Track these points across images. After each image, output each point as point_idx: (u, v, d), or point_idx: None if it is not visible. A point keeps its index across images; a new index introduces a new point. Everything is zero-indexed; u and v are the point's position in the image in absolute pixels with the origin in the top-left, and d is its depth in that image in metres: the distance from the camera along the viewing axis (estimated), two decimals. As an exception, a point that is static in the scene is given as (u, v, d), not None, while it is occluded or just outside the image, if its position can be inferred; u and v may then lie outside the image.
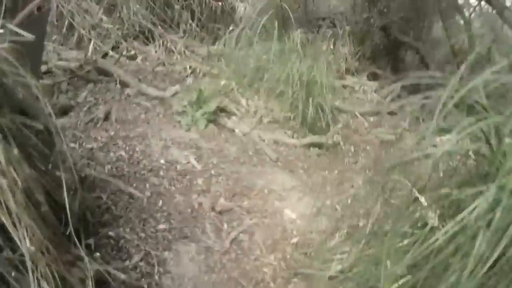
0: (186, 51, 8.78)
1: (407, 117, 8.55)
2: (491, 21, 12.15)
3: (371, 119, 8.70)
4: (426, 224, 3.40)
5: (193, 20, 9.36)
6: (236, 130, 6.87)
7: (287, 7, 8.83)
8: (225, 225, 5.13)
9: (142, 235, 4.63)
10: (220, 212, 5.26)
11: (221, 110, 7.06)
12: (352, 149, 7.40)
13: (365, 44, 11.13)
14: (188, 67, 8.26)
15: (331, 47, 10.33)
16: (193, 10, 9.37)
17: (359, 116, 8.52)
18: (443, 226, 3.16)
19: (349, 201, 5.90)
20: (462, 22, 11.30)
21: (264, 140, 6.82)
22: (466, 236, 2.88)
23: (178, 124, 6.62)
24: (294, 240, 5.15)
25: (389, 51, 11.69)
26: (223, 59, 8.56)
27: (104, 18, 8.43)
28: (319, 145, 6.98)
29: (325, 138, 6.91)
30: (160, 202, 5.08)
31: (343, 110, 8.46)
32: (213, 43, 9.21)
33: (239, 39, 8.10)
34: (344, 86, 9.70)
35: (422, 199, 3.43)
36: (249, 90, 7.47)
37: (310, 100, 7.00)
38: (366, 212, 5.39)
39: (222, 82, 7.43)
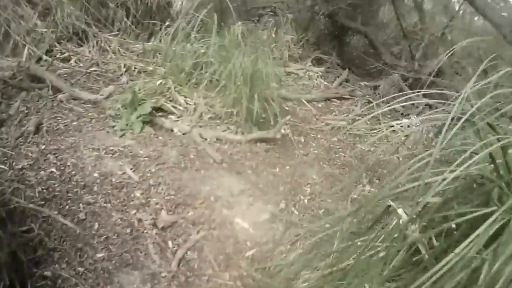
0: (120, 49, 8.06)
1: (359, 102, 7.90)
2: (444, 1, 11.62)
3: (319, 105, 8.00)
4: (405, 237, 2.76)
5: (128, 18, 8.61)
6: (175, 130, 6.09)
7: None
8: (170, 243, 4.43)
9: (80, 269, 3.96)
10: (163, 228, 4.55)
11: (158, 109, 6.30)
12: (302, 140, 6.67)
13: (309, 31, 10.42)
14: (122, 65, 7.54)
15: (273, 35, 9.66)
16: (128, 7, 8.62)
17: (306, 103, 7.81)
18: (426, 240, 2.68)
19: (306, 201, 5.24)
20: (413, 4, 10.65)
21: (206, 139, 6.03)
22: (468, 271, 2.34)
23: (112, 129, 5.85)
24: (249, 253, 4.47)
25: (335, 36, 10.91)
26: (159, 55, 7.91)
27: (39, 22, 7.70)
28: (266, 140, 6.20)
29: (272, 132, 6.09)
30: (96, 225, 4.43)
31: (289, 98, 7.75)
32: (149, 39, 8.53)
33: (176, 35, 7.31)
34: (288, 74, 8.95)
35: (400, 210, 2.72)
36: (187, 88, 6.70)
37: (255, 94, 6.20)
38: (327, 214, 4.73)
39: (158, 82, 6.63)
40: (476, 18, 11.57)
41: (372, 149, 6.65)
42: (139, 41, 8.32)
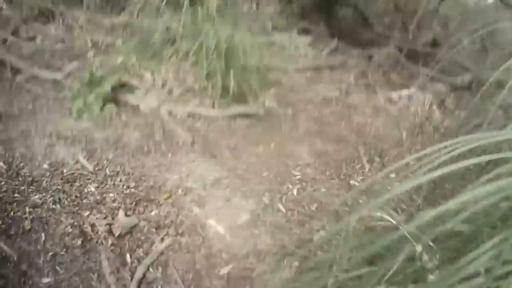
0: (88, 25, 7.10)
1: (352, 71, 6.81)
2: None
3: (308, 75, 6.82)
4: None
5: None
6: (142, 107, 5.08)
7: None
8: (128, 257, 3.34)
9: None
10: (120, 236, 3.46)
11: (122, 86, 5.31)
12: (290, 112, 5.50)
13: (293, 3, 9.14)
14: (89, 40, 6.59)
15: (254, 8, 8.47)
16: None
17: (294, 72, 6.66)
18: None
19: (295, 192, 4.16)
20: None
21: (176, 116, 4.98)
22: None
23: (69, 111, 4.88)
24: (224, 270, 3.35)
25: (322, 8, 9.65)
26: (129, 29, 6.93)
27: (5, 5, 6.99)
28: (247, 116, 5.11)
29: (254, 106, 5.01)
30: (43, 236, 3.42)
31: (274, 68, 6.63)
32: (119, 14, 7.49)
33: (144, 8, 6.31)
34: (272, 44, 7.74)
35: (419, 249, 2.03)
36: (155, 63, 5.62)
37: (232, 66, 5.13)
38: (321, 211, 3.97)
39: (120, 59, 5.61)
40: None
41: (369, 121, 5.62)
42: (108, 16, 7.38)
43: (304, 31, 8.46)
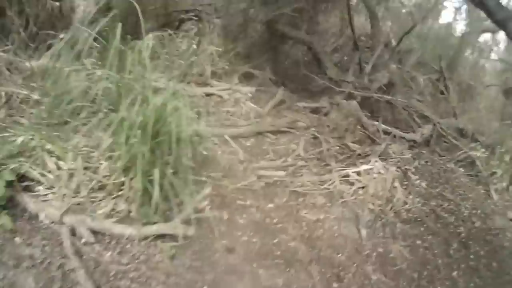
0: (9, 71, 5.84)
1: (301, 138, 5.75)
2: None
3: (248, 143, 5.63)
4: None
5: (27, 27, 6.42)
6: (41, 216, 3.84)
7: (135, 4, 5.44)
8: None
9: None
10: None
11: (22, 177, 4.04)
12: (226, 216, 4.26)
13: (239, 41, 8.07)
14: (3, 94, 5.34)
15: (194, 46, 7.30)
16: (28, 15, 6.47)
17: (231, 142, 5.45)
18: None
19: None
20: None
21: (81, 238, 3.73)
22: None
23: None
24: None
25: (270, 46, 8.62)
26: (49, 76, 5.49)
27: None
28: (173, 235, 3.87)
29: (180, 225, 3.81)
30: None
31: (208, 136, 5.37)
32: (41, 55, 6.15)
33: (65, 52, 5.00)
34: (209, 96, 6.60)
35: None
36: (62, 143, 4.40)
37: (160, 147, 4.00)
38: None
39: (20, 139, 4.27)
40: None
41: (321, 217, 4.50)
42: (32, 57, 6.10)
43: (247, 78, 7.37)
